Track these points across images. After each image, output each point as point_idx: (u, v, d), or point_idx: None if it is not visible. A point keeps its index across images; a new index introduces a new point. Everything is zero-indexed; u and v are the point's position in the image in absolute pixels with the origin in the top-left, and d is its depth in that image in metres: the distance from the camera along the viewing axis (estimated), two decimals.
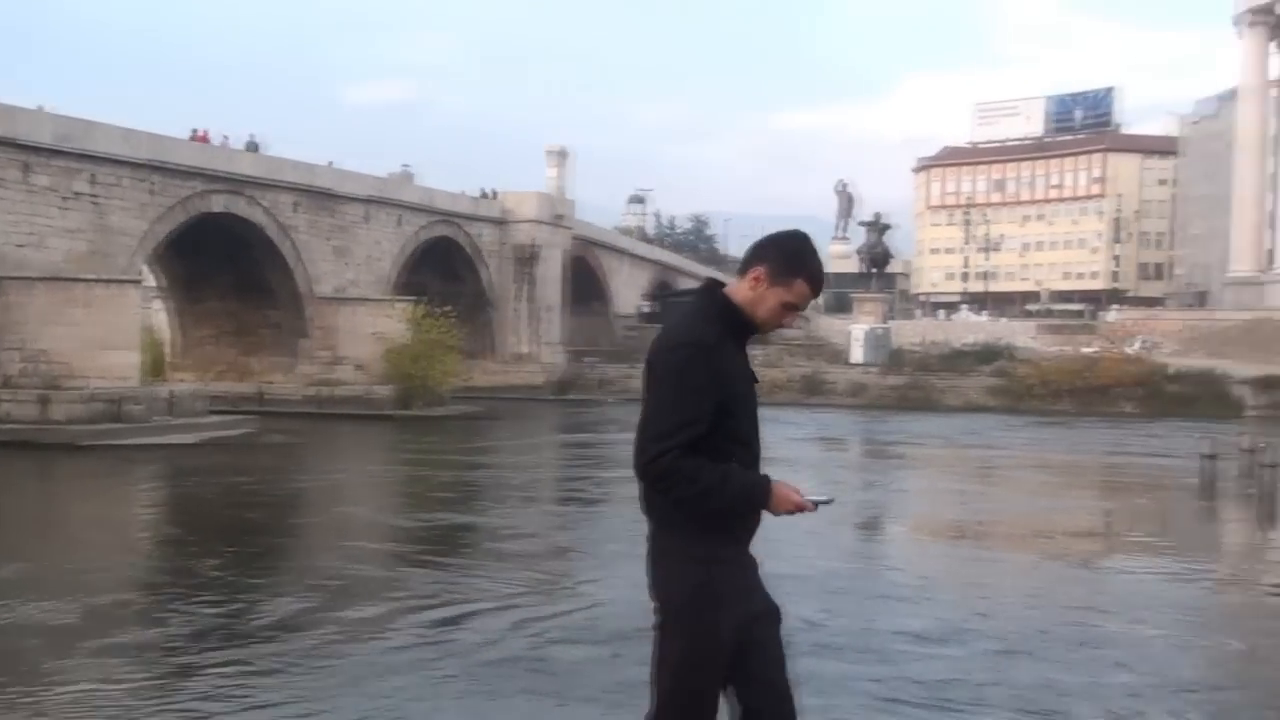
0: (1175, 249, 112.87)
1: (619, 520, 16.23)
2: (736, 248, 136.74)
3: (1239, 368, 46.34)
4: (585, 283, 61.26)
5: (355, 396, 39.15)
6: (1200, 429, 29.85)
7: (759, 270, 3.67)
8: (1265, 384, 43.57)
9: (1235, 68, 72.41)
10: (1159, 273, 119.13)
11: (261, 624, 9.49)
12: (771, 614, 3.73)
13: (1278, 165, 67.65)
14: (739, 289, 3.70)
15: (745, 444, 3.65)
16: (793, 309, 3.70)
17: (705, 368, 3.55)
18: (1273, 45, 69.45)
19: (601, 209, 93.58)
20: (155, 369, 38.04)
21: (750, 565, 3.71)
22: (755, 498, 3.58)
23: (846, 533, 15.13)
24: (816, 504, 3.64)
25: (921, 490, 21.69)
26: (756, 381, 3.78)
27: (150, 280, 39.79)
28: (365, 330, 40.60)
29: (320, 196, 41.51)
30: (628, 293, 66.79)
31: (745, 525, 3.69)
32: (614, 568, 11.94)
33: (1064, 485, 22.37)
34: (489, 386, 48.76)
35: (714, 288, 3.76)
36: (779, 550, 12.70)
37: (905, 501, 19.59)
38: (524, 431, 34.49)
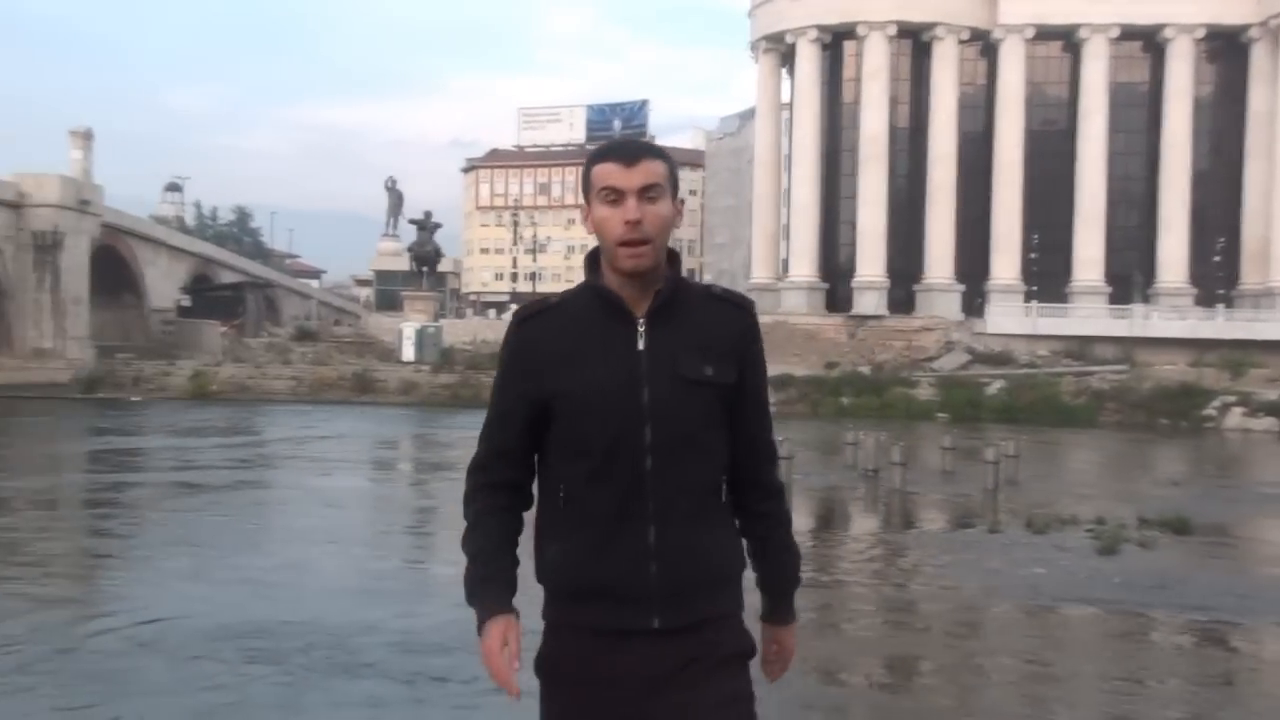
0: (704, 256, 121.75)
1: (164, 528, 15.41)
2: (284, 242, 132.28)
3: None
4: (117, 274, 57.19)
5: None
6: None
7: (583, 208, 2.81)
8: (780, 383, 47.87)
9: (753, 89, 78.70)
10: (691, 278, 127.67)
11: None
12: None
13: (791, 181, 74.12)
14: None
15: (589, 455, 2.74)
16: (615, 193, 2.70)
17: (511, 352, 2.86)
18: (784, 71, 76.04)
19: (135, 198, 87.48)
20: None
21: None
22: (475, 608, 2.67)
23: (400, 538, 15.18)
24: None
25: None
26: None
27: None
28: None
29: None
30: (165, 285, 62.86)
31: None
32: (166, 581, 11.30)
33: None
34: (6, 384, 44.64)
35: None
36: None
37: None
38: (39, 434, 31.59)
